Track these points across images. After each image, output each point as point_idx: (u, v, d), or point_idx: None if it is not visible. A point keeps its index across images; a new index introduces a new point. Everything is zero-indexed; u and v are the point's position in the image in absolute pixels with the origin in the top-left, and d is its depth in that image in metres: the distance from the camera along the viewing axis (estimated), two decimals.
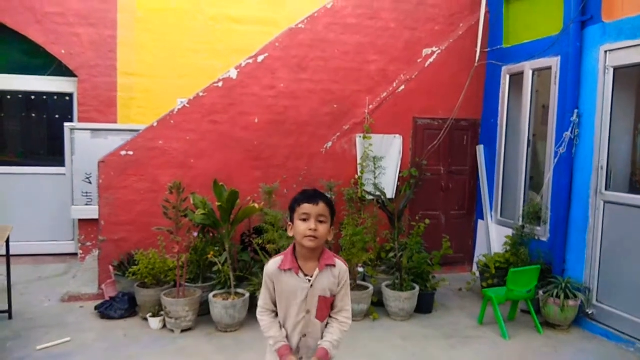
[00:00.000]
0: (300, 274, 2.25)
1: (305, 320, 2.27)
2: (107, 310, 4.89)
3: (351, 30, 6.11)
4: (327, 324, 2.33)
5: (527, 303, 4.95)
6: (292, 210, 2.27)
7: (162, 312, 4.72)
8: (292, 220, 2.28)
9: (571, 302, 4.78)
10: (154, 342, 4.44)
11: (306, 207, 2.20)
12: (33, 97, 7.03)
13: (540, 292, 4.96)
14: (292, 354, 2.24)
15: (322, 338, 2.30)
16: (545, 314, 4.93)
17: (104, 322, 4.82)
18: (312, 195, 2.23)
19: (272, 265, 2.31)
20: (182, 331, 4.65)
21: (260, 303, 2.38)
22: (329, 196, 5.72)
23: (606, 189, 4.88)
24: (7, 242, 4.60)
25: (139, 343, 4.41)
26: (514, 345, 4.56)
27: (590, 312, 4.91)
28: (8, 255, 4.78)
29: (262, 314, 2.36)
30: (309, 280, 2.24)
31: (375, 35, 6.20)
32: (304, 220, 2.20)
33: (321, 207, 2.20)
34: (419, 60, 6.39)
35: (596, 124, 4.94)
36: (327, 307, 2.30)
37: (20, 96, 7.01)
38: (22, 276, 6.02)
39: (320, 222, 2.20)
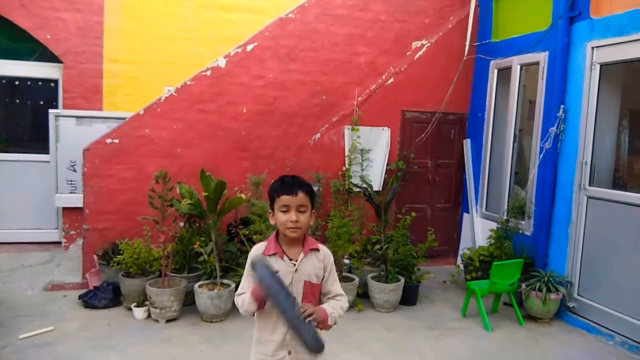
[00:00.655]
0: (285, 258, 2.24)
1: None
2: (91, 300, 4.86)
3: (341, 22, 6.08)
4: (324, 302, 2.31)
5: (510, 296, 5.02)
6: (271, 199, 2.25)
7: (147, 302, 4.70)
8: (272, 209, 2.26)
9: (553, 296, 4.86)
10: (138, 332, 4.42)
11: (285, 199, 2.18)
12: (17, 83, 6.90)
13: (523, 285, 5.03)
14: None
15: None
16: (527, 306, 5.00)
17: (87, 312, 4.79)
18: (290, 185, 2.20)
19: (256, 250, 2.30)
20: (167, 321, 4.64)
21: (237, 292, 2.31)
22: (316, 187, 5.72)
23: (590, 185, 4.94)
24: None
25: (123, 333, 4.39)
26: (496, 337, 4.63)
27: (571, 306, 5.00)
28: None
29: (237, 297, 2.30)
30: (294, 265, 2.24)
31: (365, 27, 6.18)
32: (284, 211, 2.19)
33: (300, 197, 2.18)
34: (408, 53, 6.39)
35: (581, 119, 4.99)
36: (314, 295, 2.28)
37: (4, 81, 6.88)
38: (5, 264, 5.96)
39: (301, 212, 2.19)
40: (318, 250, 2.30)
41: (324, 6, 6.00)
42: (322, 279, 2.31)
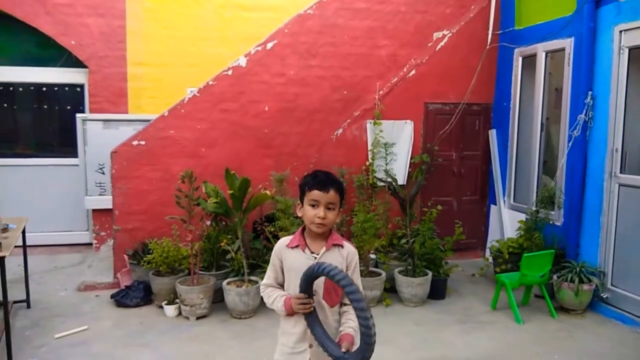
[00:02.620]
0: (307, 251, 2.24)
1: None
2: (123, 299, 4.95)
3: (361, 15, 6.04)
4: (344, 312, 2.30)
5: (541, 288, 4.93)
6: (302, 192, 2.25)
7: (177, 300, 4.77)
8: (301, 201, 2.26)
9: (585, 287, 4.75)
10: (169, 330, 4.49)
11: (316, 194, 2.18)
12: (44, 89, 7.07)
13: (554, 277, 4.94)
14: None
15: (333, 326, 2.26)
16: (559, 298, 4.91)
17: (120, 311, 4.89)
18: (323, 182, 2.20)
19: (280, 243, 2.32)
20: (197, 318, 4.70)
21: (263, 282, 2.36)
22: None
23: (621, 172, 4.82)
24: (23, 233, 4.66)
25: (155, 330, 4.47)
26: (528, 330, 4.56)
27: (605, 296, 4.88)
28: (24, 246, 4.86)
29: (265, 289, 2.33)
30: (315, 258, 2.22)
31: (385, 20, 6.13)
32: (313, 206, 2.19)
33: (331, 195, 2.18)
34: (429, 44, 6.31)
35: (610, 105, 4.86)
36: (336, 291, 2.26)
37: (32, 88, 7.05)
38: (39, 266, 6.11)
39: (329, 209, 2.19)
40: (342, 246, 2.28)
41: (343, 0, 5.96)
42: None
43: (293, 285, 2.25)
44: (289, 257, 2.27)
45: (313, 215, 2.18)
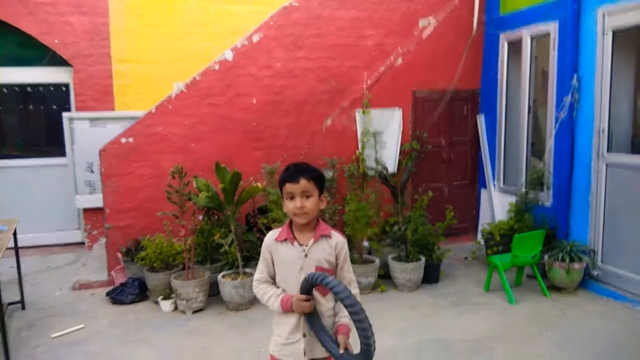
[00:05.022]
0: (295, 244, 2.25)
1: None
2: (118, 296, 4.95)
3: (346, 6, 6.04)
4: (337, 300, 2.33)
5: (533, 268, 5.00)
6: (280, 189, 2.29)
7: (173, 295, 4.77)
8: (282, 198, 2.30)
9: (576, 265, 4.83)
10: (166, 324, 4.50)
11: (288, 187, 2.21)
12: (29, 89, 7.00)
13: (546, 257, 5.01)
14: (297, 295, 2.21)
15: (327, 314, 2.28)
16: (551, 277, 4.98)
17: (115, 308, 4.89)
18: (292, 173, 2.23)
19: (269, 237, 2.34)
20: (194, 312, 4.71)
21: (255, 276, 2.37)
22: (331, 173, 5.73)
23: (608, 152, 4.89)
24: (15, 234, 4.63)
25: (151, 326, 4.47)
26: (521, 310, 4.62)
27: (595, 274, 4.96)
28: (16, 247, 4.82)
29: (259, 285, 2.35)
30: (304, 250, 2.25)
31: (371, 10, 6.14)
32: (290, 199, 2.22)
33: (303, 184, 2.19)
34: (415, 32, 6.33)
35: (596, 87, 4.92)
36: None
37: (17, 88, 6.98)
38: (32, 267, 6.08)
39: (306, 197, 2.21)
40: (330, 237, 2.29)
41: None
42: (337, 267, 2.31)
43: (284, 279, 2.28)
44: (279, 251, 2.28)
45: (292, 207, 2.20)
